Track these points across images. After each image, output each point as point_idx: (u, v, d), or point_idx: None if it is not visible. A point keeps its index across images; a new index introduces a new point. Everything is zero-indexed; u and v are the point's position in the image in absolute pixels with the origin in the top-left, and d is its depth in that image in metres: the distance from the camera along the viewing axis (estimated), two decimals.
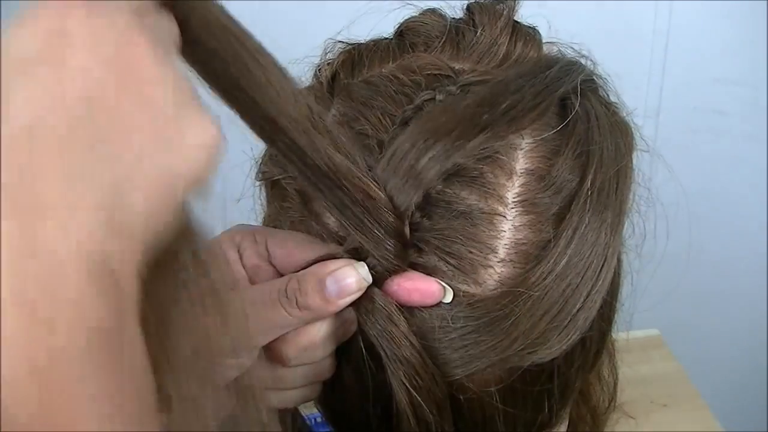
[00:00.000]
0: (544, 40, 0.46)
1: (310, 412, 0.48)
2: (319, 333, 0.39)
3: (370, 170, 0.37)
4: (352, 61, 0.45)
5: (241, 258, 0.41)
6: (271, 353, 0.40)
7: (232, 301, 0.30)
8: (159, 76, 0.26)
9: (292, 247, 0.40)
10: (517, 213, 0.39)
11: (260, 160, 0.45)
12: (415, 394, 0.38)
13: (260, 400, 0.37)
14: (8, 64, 0.24)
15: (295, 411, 0.46)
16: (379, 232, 0.37)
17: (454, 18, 0.45)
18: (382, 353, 0.38)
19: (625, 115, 0.45)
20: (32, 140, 0.23)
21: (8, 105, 0.23)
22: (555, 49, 0.46)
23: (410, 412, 0.38)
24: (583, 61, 0.45)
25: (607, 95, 0.45)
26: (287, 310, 0.38)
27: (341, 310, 0.38)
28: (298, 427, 0.46)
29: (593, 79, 0.44)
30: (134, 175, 0.25)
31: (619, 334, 0.48)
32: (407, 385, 0.38)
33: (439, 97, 0.39)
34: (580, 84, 0.41)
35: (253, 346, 0.39)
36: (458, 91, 0.40)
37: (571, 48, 0.46)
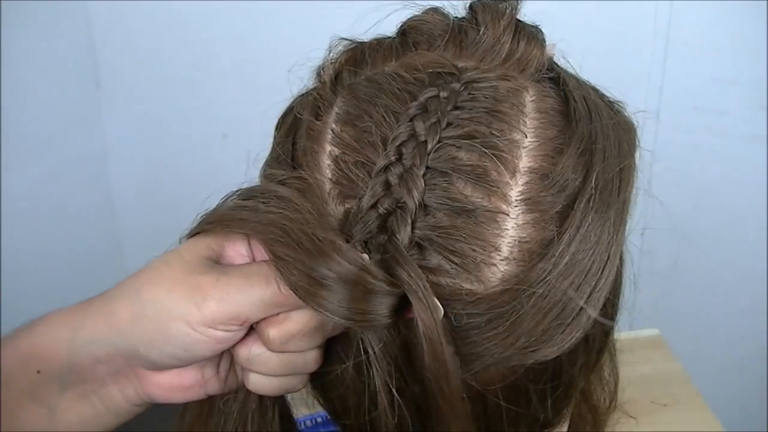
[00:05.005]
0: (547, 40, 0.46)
1: (315, 411, 0.47)
2: (308, 322, 0.39)
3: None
4: (356, 60, 0.45)
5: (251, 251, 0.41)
6: (259, 333, 0.40)
7: None
8: None
9: None
10: (520, 211, 0.39)
11: (264, 162, 0.46)
12: (396, 395, 0.38)
13: None
14: None
15: (284, 410, 0.45)
16: None
17: (456, 17, 0.45)
18: (370, 351, 0.38)
19: (627, 114, 0.45)
20: None
21: None
22: (560, 47, 0.46)
23: (390, 411, 0.38)
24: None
25: (620, 108, 0.45)
26: (279, 286, 0.38)
27: None
28: (286, 427, 0.45)
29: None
30: None
31: (620, 334, 0.48)
32: (389, 385, 0.38)
33: (443, 94, 0.39)
34: None
35: (243, 319, 0.39)
36: (462, 89, 0.40)
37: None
